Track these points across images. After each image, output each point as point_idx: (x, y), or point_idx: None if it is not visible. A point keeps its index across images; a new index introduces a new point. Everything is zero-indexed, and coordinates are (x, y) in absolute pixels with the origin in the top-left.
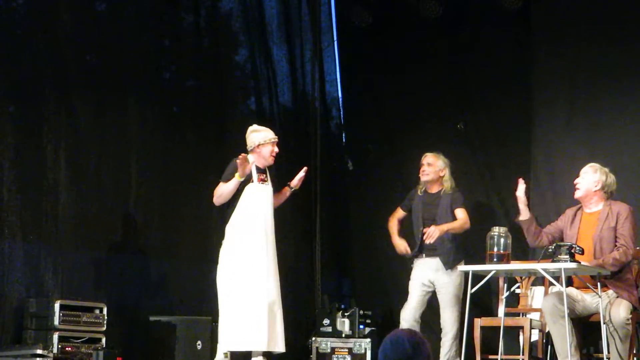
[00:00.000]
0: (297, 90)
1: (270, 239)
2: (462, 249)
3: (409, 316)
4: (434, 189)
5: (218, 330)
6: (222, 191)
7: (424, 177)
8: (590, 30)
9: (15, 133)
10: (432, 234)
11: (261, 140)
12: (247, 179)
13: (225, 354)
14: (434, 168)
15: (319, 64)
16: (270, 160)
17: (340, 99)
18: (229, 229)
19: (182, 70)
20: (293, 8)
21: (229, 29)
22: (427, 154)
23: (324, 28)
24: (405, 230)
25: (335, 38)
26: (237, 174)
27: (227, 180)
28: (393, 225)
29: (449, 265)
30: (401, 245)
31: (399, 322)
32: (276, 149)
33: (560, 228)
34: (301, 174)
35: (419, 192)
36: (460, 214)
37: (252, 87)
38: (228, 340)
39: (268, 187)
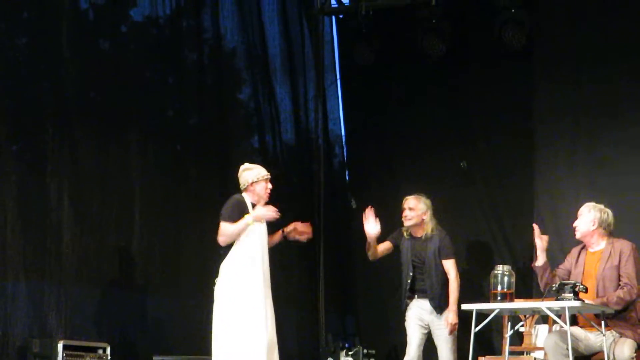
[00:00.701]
0: (300, 128)
1: (267, 278)
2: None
3: None
4: (419, 233)
5: None
6: (231, 232)
7: (406, 222)
8: (592, 67)
9: (18, 172)
10: (451, 326)
11: (254, 177)
12: (238, 217)
13: None
14: (416, 212)
15: (322, 102)
16: (265, 197)
17: (344, 137)
18: (226, 267)
19: (186, 108)
20: (296, 46)
21: (232, 67)
22: (408, 197)
23: (327, 66)
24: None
25: (338, 76)
26: (250, 218)
27: (234, 220)
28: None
29: (440, 310)
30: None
31: None
32: (270, 186)
33: (568, 269)
34: (300, 227)
35: (405, 236)
36: (451, 268)
37: (255, 125)
38: None
39: (263, 226)
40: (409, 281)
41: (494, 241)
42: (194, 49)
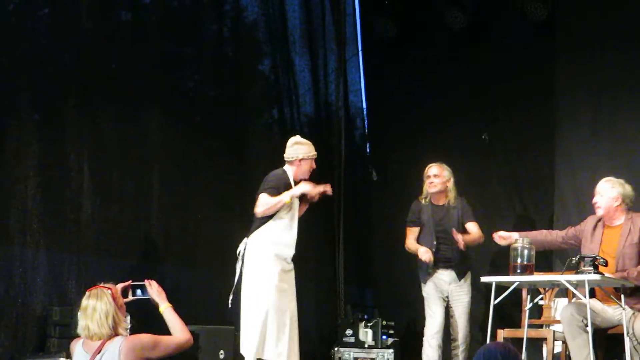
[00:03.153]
0: (320, 101)
1: (294, 253)
2: (468, 259)
3: (437, 341)
4: (441, 201)
5: (241, 340)
6: (271, 205)
7: (431, 189)
8: (614, 42)
9: (38, 141)
10: (460, 241)
11: (305, 154)
12: (284, 190)
13: None
14: (441, 179)
15: (343, 74)
16: (307, 176)
17: (365, 110)
18: (259, 237)
19: (206, 80)
20: (317, 18)
21: (253, 39)
22: (432, 164)
23: (348, 38)
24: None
25: (360, 48)
26: (286, 197)
27: (273, 194)
28: (412, 243)
29: (462, 275)
30: (426, 255)
31: (421, 333)
32: (314, 165)
33: (579, 237)
34: (322, 188)
35: (424, 202)
36: (474, 227)
37: (274, 96)
38: (255, 350)
39: (297, 202)
40: (433, 250)
41: (515, 214)
42: (215, 21)
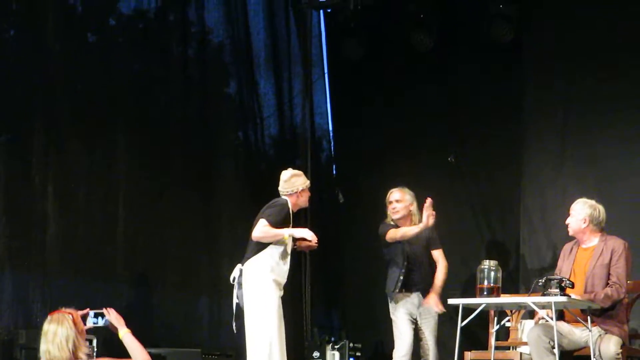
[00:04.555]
0: (285, 123)
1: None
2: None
3: None
4: (406, 224)
5: None
6: (269, 236)
7: (394, 215)
8: (581, 62)
9: (4, 163)
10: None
11: (303, 184)
12: (286, 222)
13: None
14: (403, 203)
15: (309, 96)
16: (306, 205)
17: (331, 132)
18: (257, 263)
19: (172, 102)
20: (282, 41)
21: (219, 61)
22: (393, 190)
23: (314, 60)
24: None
25: (326, 70)
26: (286, 234)
27: (277, 225)
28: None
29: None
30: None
31: (388, 355)
32: (309, 194)
33: (561, 267)
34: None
35: (392, 224)
36: (441, 257)
37: (240, 119)
38: None
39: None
40: (403, 271)
41: (481, 236)
42: (180, 43)
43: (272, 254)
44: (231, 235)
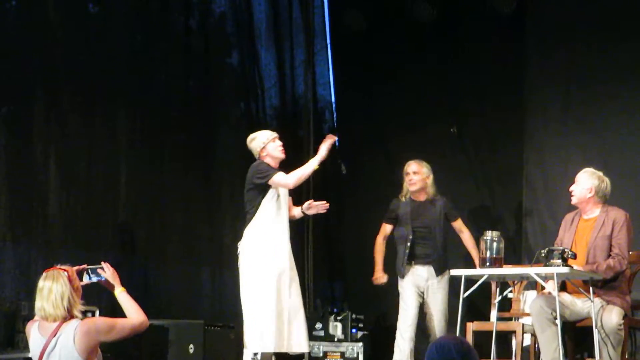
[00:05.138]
0: (287, 94)
1: (288, 241)
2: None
3: (410, 334)
4: (421, 197)
5: (244, 333)
6: (305, 175)
7: (412, 187)
8: (584, 34)
9: (5, 135)
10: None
11: (261, 144)
12: (268, 184)
13: (254, 358)
14: (420, 176)
15: (311, 67)
16: (281, 155)
17: (334, 103)
18: (251, 231)
19: (174, 73)
20: (283, 11)
21: (221, 32)
22: (411, 162)
23: (317, 31)
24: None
25: (328, 41)
26: (315, 163)
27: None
28: (379, 248)
29: (440, 271)
30: (381, 278)
31: (391, 327)
32: (280, 143)
33: (562, 238)
34: (319, 206)
35: (403, 200)
36: (463, 228)
37: (242, 89)
38: (257, 343)
39: (286, 193)
40: (408, 244)
41: (484, 207)
42: (182, 13)
43: (259, 221)
44: (232, 206)
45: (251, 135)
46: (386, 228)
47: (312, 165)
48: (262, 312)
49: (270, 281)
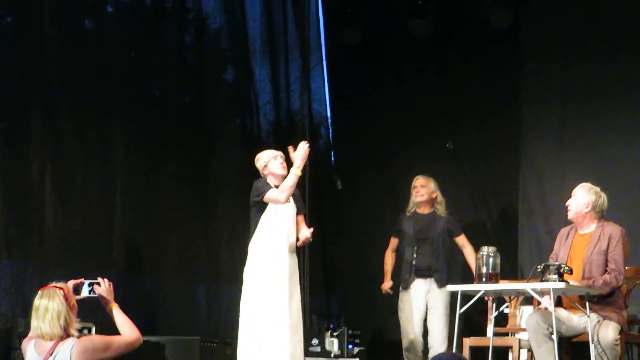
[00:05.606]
0: (282, 110)
1: (290, 255)
2: (454, 268)
3: (417, 349)
4: (426, 210)
5: (237, 350)
6: (290, 186)
7: (417, 198)
8: (580, 48)
9: (1, 150)
10: None
11: (264, 163)
12: (264, 201)
13: None
14: (427, 189)
15: (307, 82)
16: (282, 171)
17: (329, 118)
18: (253, 248)
19: (170, 89)
20: (278, 27)
21: (216, 48)
22: (418, 176)
23: (312, 47)
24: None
25: (324, 57)
26: (297, 171)
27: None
28: (388, 261)
29: (442, 283)
30: (388, 287)
31: (388, 342)
32: (281, 161)
33: (557, 253)
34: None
35: (408, 214)
36: (465, 243)
37: (238, 105)
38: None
39: (291, 205)
40: (414, 255)
41: (480, 222)
42: (178, 29)
43: (258, 232)
44: (229, 222)
45: (257, 156)
46: (393, 242)
47: (292, 175)
48: (258, 327)
49: (268, 297)
